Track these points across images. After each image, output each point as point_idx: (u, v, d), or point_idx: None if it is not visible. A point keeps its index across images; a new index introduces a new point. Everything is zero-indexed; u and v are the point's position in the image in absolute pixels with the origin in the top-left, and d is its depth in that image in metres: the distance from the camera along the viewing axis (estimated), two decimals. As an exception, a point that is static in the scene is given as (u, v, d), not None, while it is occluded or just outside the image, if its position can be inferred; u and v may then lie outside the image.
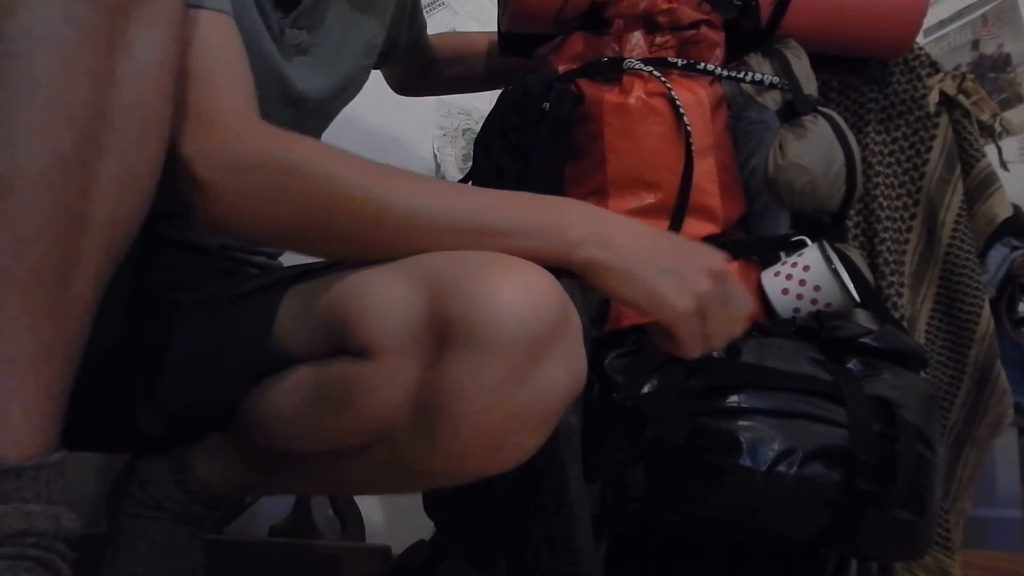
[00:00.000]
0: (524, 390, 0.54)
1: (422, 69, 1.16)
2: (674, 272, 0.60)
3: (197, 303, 0.73)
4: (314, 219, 0.60)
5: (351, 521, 1.29)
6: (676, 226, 0.86)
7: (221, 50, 0.64)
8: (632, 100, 0.89)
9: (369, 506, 1.35)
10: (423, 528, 1.20)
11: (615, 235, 0.60)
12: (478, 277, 0.54)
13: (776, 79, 0.93)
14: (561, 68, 0.95)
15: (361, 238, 0.60)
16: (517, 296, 0.54)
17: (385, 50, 0.97)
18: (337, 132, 0.95)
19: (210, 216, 0.61)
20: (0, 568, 0.44)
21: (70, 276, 0.48)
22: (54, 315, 0.47)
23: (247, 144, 0.61)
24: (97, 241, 0.49)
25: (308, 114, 0.85)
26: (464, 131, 1.61)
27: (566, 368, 0.56)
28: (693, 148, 0.87)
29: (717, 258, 0.63)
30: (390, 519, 1.40)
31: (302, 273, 0.70)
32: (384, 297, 0.57)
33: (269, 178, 0.60)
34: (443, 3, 1.64)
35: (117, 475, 0.76)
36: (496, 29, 1.07)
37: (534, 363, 0.54)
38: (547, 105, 0.89)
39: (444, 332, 0.54)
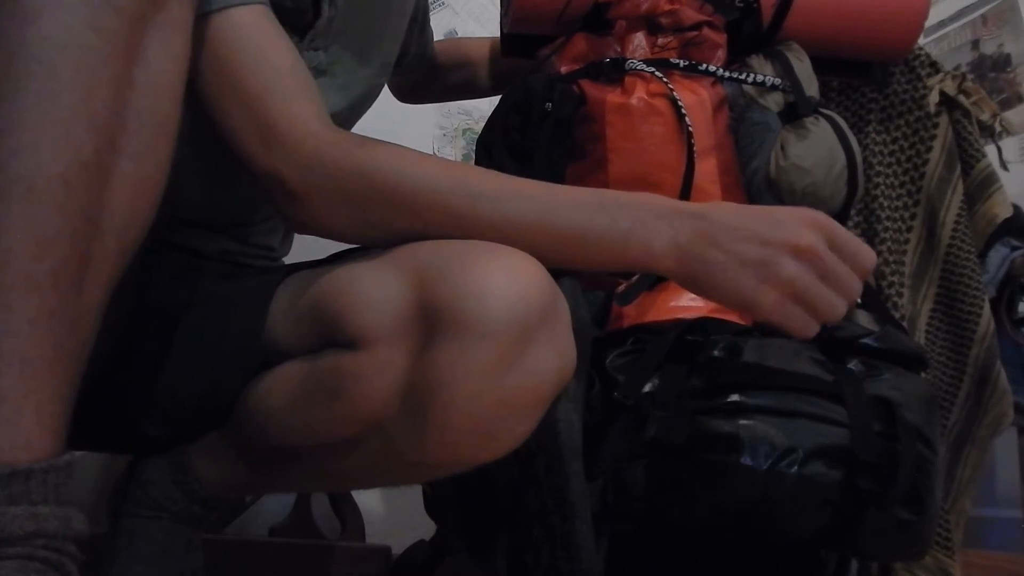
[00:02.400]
0: (513, 376, 0.54)
1: (426, 77, 1.16)
2: (756, 265, 0.57)
3: (193, 303, 0.73)
4: (405, 219, 0.61)
5: (351, 521, 1.29)
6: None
7: (273, 52, 0.64)
8: (634, 101, 0.89)
9: (369, 506, 1.35)
10: (423, 528, 1.20)
11: (694, 242, 0.58)
12: (465, 265, 0.55)
13: (778, 81, 0.93)
14: (563, 69, 0.95)
15: (451, 235, 0.60)
16: (503, 283, 0.54)
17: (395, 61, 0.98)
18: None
19: (306, 220, 0.63)
20: (11, 569, 0.44)
21: (84, 279, 0.48)
22: (67, 318, 0.47)
23: (335, 151, 0.61)
24: (109, 244, 0.50)
25: None
26: (464, 131, 1.61)
27: (555, 353, 0.56)
28: (695, 149, 0.87)
29: (803, 230, 0.58)
30: (390, 519, 1.40)
31: (293, 269, 0.70)
32: (372, 289, 0.58)
33: (363, 183, 0.60)
34: (443, 3, 1.64)
35: (119, 475, 0.76)
36: (498, 30, 1.07)
37: (522, 349, 0.54)
38: (549, 105, 0.90)
39: (432, 321, 0.55)
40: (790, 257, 0.57)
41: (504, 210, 0.59)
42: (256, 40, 0.63)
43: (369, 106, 0.92)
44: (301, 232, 0.66)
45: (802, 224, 0.58)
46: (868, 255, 0.60)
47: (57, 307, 0.47)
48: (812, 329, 0.59)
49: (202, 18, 0.61)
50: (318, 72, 0.78)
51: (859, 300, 0.86)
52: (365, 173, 0.61)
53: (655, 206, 0.59)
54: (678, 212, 0.59)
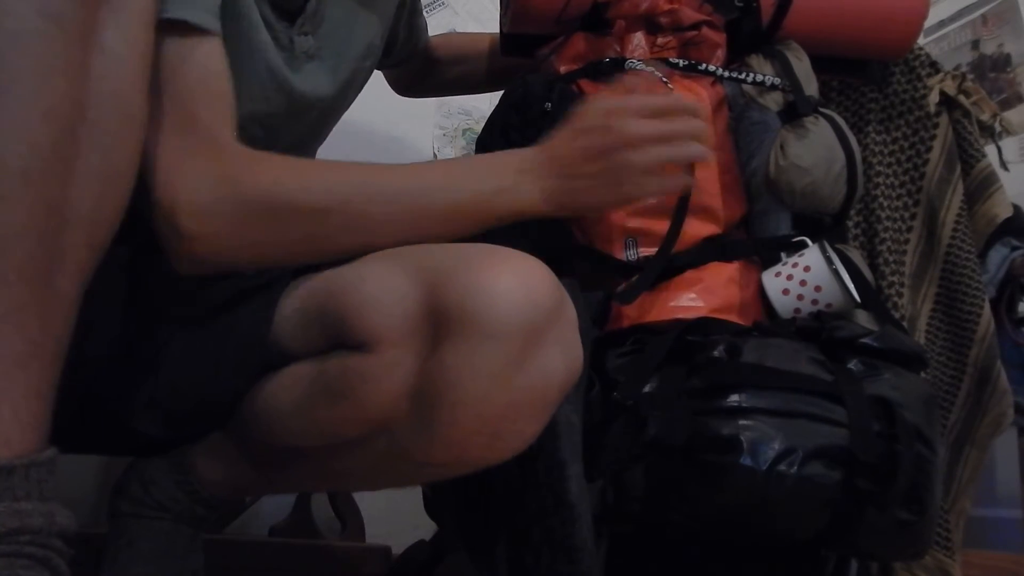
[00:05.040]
0: (521, 377, 0.55)
1: (424, 70, 1.15)
2: (607, 173, 0.68)
3: (195, 305, 0.73)
4: (298, 240, 0.64)
5: (351, 521, 1.29)
6: (677, 227, 0.86)
7: (199, 84, 0.63)
8: (633, 100, 0.89)
9: (369, 506, 1.35)
10: (423, 528, 1.20)
11: (555, 182, 0.68)
12: (473, 267, 0.55)
13: (777, 80, 0.93)
14: (563, 69, 0.95)
15: (345, 245, 0.64)
16: (512, 285, 0.54)
17: (384, 49, 0.97)
18: (337, 133, 0.95)
19: (196, 258, 0.62)
20: None
21: (53, 273, 0.48)
22: (39, 313, 0.47)
23: (245, 188, 0.62)
24: (79, 237, 0.49)
25: (315, 120, 0.85)
26: (464, 131, 1.60)
27: (562, 355, 0.57)
28: (694, 148, 0.87)
29: (622, 122, 0.69)
30: (390, 519, 1.40)
31: (298, 271, 0.70)
32: (380, 290, 0.58)
33: (258, 219, 0.62)
34: (443, 3, 1.64)
35: (119, 475, 0.76)
36: (498, 29, 1.07)
37: (530, 350, 0.55)
38: (549, 105, 0.89)
39: (441, 322, 0.55)
40: (628, 150, 0.68)
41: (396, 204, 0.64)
42: (194, 73, 0.62)
43: (356, 94, 0.91)
44: (186, 271, 0.64)
45: (614, 118, 0.69)
46: (675, 96, 0.75)
47: (27, 302, 0.46)
48: (676, 185, 0.76)
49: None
50: (308, 57, 0.78)
51: (859, 300, 0.86)
52: (276, 201, 0.62)
53: (515, 163, 0.69)
54: (534, 166, 0.68)
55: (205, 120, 0.62)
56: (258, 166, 0.63)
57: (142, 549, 0.72)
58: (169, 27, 0.60)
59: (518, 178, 0.67)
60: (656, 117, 0.70)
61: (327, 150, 0.95)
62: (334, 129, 0.94)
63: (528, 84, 0.92)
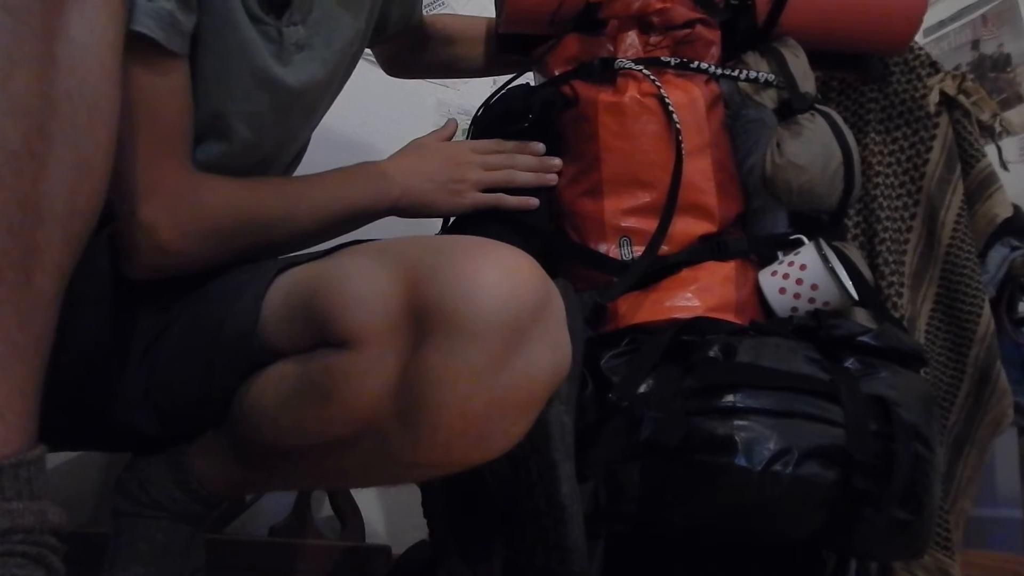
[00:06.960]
0: (506, 376, 0.54)
1: (415, 49, 1.13)
2: (450, 183, 0.89)
3: (186, 299, 0.73)
4: (244, 248, 0.74)
5: (351, 521, 1.29)
6: (665, 225, 0.86)
7: (162, 108, 0.66)
8: (626, 100, 0.88)
9: (369, 506, 1.35)
10: (423, 528, 1.20)
11: (410, 187, 0.87)
12: (456, 263, 0.54)
13: (772, 77, 0.93)
14: (557, 70, 0.95)
15: (276, 243, 0.77)
16: (495, 280, 0.53)
17: (377, 26, 0.96)
18: (336, 133, 0.95)
19: (155, 264, 0.69)
20: None
21: (30, 270, 0.47)
22: (17, 311, 0.46)
23: (202, 210, 0.70)
24: (55, 233, 0.48)
25: (305, 109, 0.85)
26: (464, 131, 1.61)
27: (549, 352, 0.56)
28: (684, 147, 0.86)
29: (468, 155, 0.91)
30: (390, 519, 1.40)
31: (285, 265, 0.70)
32: (362, 287, 0.57)
33: (224, 235, 0.72)
34: (443, 3, 1.64)
35: (119, 474, 0.77)
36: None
37: (515, 348, 0.54)
38: (529, 120, 0.91)
39: (423, 320, 0.54)
40: (465, 168, 0.89)
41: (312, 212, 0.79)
42: (153, 97, 0.66)
43: (348, 75, 0.91)
44: (141, 274, 0.70)
45: (458, 147, 0.92)
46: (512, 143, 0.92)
47: (3, 301, 0.46)
48: (517, 203, 0.91)
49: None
50: (298, 47, 0.78)
51: (856, 297, 0.86)
52: (237, 220, 0.73)
53: (381, 169, 0.87)
54: (396, 170, 0.87)
55: (175, 138, 0.67)
56: (215, 188, 0.72)
57: (141, 549, 0.72)
58: (132, 38, 0.60)
59: (385, 179, 0.86)
60: (491, 154, 0.91)
61: (325, 154, 0.95)
62: (332, 132, 0.94)
63: (507, 100, 0.94)
